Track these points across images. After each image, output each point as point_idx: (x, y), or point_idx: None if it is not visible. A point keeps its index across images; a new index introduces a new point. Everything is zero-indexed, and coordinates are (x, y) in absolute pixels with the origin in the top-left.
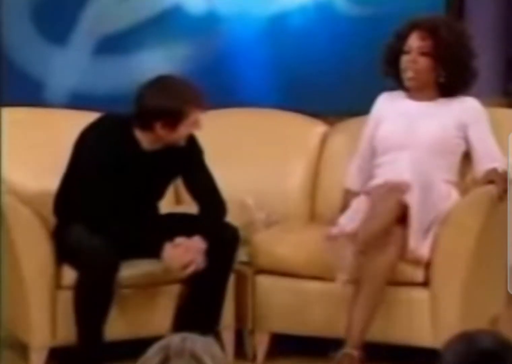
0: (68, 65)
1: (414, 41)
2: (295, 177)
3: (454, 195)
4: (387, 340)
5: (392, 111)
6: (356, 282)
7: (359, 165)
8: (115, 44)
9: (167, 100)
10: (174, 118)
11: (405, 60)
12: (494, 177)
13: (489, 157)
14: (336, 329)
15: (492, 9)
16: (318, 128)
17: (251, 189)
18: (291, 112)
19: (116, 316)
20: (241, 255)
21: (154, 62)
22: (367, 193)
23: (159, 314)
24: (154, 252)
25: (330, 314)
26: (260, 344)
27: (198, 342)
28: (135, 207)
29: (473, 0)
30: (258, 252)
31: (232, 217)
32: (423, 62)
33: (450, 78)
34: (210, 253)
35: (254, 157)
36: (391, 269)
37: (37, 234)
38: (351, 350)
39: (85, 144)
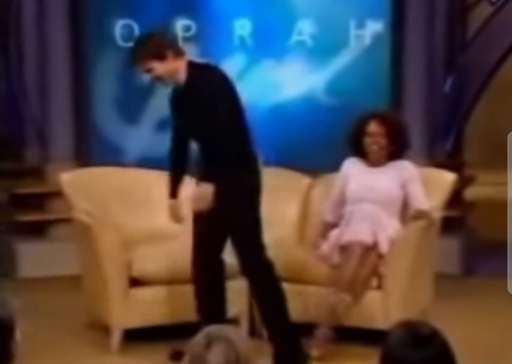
0: (138, 137)
1: (373, 127)
2: (290, 215)
3: (396, 224)
4: (353, 324)
5: (356, 174)
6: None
7: (332, 206)
8: (169, 124)
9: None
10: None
11: (369, 141)
12: (420, 215)
13: (418, 201)
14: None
15: (420, 99)
16: (305, 180)
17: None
18: (288, 167)
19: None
20: None
21: None
22: (341, 247)
23: None
24: None
25: (310, 307)
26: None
27: (229, 329)
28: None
29: (407, 95)
30: None
31: None
32: (385, 143)
33: (396, 150)
34: None
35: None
36: (373, 273)
37: (116, 249)
38: (327, 331)
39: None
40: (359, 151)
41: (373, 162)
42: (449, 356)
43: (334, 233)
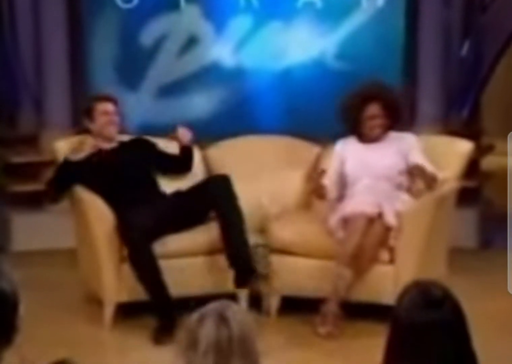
0: (137, 104)
1: (374, 110)
2: (297, 183)
3: (404, 196)
4: (363, 300)
5: (352, 154)
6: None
7: (332, 185)
8: (170, 90)
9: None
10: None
11: (371, 124)
12: (415, 171)
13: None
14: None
15: (435, 64)
16: (314, 149)
17: (267, 191)
18: (296, 136)
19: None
20: (259, 239)
21: (198, 102)
22: (344, 219)
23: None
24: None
25: (321, 282)
26: (274, 303)
27: (229, 306)
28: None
29: (422, 59)
30: (272, 237)
31: (252, 213)
32: (385, 122)
33: (392, 124)
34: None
35: (269, 169)
36: (379, 244)
37: (107, 220)
38: (333, 307)
39: None
40: (356, 131)
41: (370, 140)
42: (460, 318)
43: (340, 207)
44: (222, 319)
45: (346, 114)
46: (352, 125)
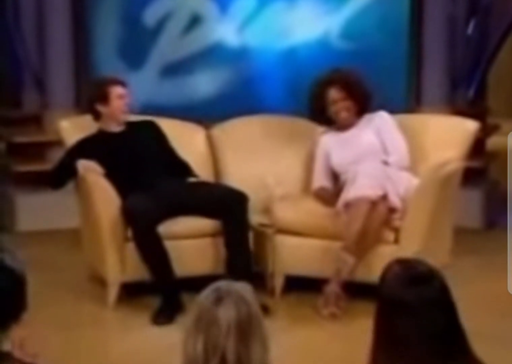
0: (141, 84)
1: (334, 94)
2: (301, 163)
3: (406, 175)
4: (367, 280)
5: (335, 146)
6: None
7: (321, 174)
8: (174, 69)
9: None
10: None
11: (335, 108)
12: None
13: (394, 149)
14: (328, 272)
15: (440, 43)
16: (318, 128)
17: (271, 171)
18: (300, 115)
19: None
20: (264, 219)
21: (202, 82)
22: (347, 204)
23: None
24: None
25: (324, 262)
26: (278, 283)
27: (239, 286)
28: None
29: (427, 38)
30: (276, 217)
31: (257, 193)
32: (350, 104)
33: (360, 105)
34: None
35: (273, 149)
36: (382, 223)
37: (111, 200)
38: (336, 288)
39: None
40: (327, 120)
41: (344, 126)
42: (448, 294)
43: (343, 192)
44: (240, 298)
45: (313, 106)
46: (322, 115)
